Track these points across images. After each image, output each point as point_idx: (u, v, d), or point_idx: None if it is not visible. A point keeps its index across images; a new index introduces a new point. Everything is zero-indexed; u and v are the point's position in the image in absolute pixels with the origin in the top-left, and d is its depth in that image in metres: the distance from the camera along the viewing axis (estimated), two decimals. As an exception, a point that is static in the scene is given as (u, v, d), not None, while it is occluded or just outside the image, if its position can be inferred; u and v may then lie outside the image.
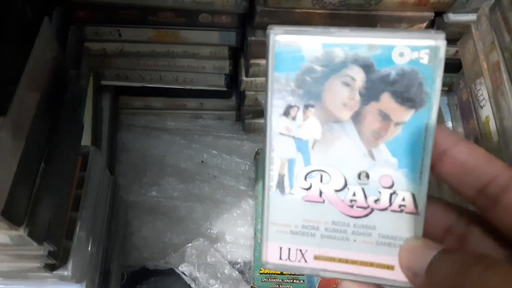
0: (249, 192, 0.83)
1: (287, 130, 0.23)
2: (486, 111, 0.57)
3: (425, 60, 0.21)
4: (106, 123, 0.77)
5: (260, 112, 0.83)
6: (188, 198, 0.82)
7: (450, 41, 0.71)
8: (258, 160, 0.83)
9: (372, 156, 0.23)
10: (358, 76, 0.22)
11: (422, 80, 0.21)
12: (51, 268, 0.48)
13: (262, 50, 0.69)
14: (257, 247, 0.75)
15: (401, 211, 0.23)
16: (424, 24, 0.68)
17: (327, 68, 0.22)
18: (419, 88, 0.21)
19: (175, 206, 0.81)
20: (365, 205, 0.23)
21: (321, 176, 0.23)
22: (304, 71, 0.22)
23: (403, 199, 0.23)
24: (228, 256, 0.78)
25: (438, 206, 0.26)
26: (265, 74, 0.23)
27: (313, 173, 0.23)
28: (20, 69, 0.35)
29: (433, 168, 0.24)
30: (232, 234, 0.79)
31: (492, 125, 0.56)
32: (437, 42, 0.21)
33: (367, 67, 0.22)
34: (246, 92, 0.79)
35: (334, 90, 0.22)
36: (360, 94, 0.22)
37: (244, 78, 0.75)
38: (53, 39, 0.38)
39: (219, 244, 0.78)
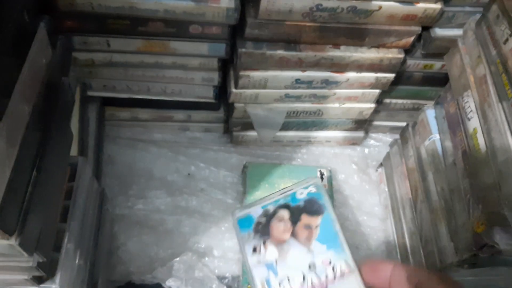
0: (237, 205, 0.82)
1: (258, 261, 0.36)
2: (474, 123, 0.58)
3: (313, 190, 0.38)
4: (92, 134, 0.76)
5: (249, 124, 0.83)
6: (175, 211, 0.81)
7: (436, 55, 0.74)
8: (246, 173, 0.83)
9: (311, 251, 0.36)
10: (285, 213, 0.37)
11: (317, 199, 0.38)
12: (38, 281, 0.46)
13: (252, 62, 0.70)
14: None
15: (343, 274, 0.34)
16: (412, 38, 0.69)
17: (267, 217, 0.38)
18: (317, 203, 0.38)
19: (162, 219, 0.80)
20: (321, 283, 0.34)
21: (288, 278, 0.35)
22: (255, 224, 0.38)
23: (341, 267, 0.34)
24: (216, 271, 0.76)
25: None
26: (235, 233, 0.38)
27: (283, 280, 0.35)
28: (15, 75, 0.34)
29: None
30: (220, 248, 0.78)
31: (480, 137, 0.57)
32: (315, 181, 0.38)
33: (287, 206, 0.38)
34: (235, 104, 0.79)
35: (275, 226, 0.37)
36: (290, 221, 0.38)
37: (234, 90, 0.75)
38: (47, 45, 0.37)
39: (207, 259, 0.77)
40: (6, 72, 0.32)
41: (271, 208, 0.38)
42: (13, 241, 0.35)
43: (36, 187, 0.39)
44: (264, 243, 0.35)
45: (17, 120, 0.34)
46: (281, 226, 0.34)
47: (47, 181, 0.42)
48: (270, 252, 0.37)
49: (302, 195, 0.37)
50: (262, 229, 0.36)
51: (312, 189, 0.38)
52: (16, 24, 0.32)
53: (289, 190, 0.39)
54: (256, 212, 0.40)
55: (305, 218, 0.36)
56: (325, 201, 0.40)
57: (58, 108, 0.44)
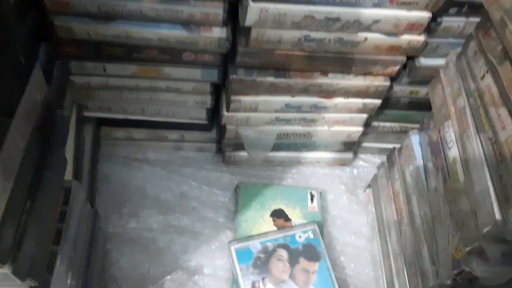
0: (228, 224, 0.84)
1: None
2: (454, 153, 0.61)
3: (311, 235, 0.43)
4: (87, 154, 0.78)
5: (241, 144, 0.85)
6: (167, 230, 0.83)
7: (422, 82, 0.76)
8: (239, 193, 0.85)
9: None
10: (284, 253, 0.43)
11: (315, 245, 0.40)
12: (30, 303, 0.48)
13: (243, 88, 0.72)
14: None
15: None
16: (397, 67, 0.72)
17: (266, 254, 0.38)
18: (316, 250, 0.39)
19: (154, 237, 0.82)
20: None
21: None
22: (255, 259, 0.38)
23: None
24: (206, 289, 0.78)
25: None
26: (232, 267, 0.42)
27: None
28: (11, 111, 0.36)
29: None
30: (210, 267, 0.80)
31: (459, 167, 0.59)
32: (313, 226, 0.44)
33: (286, 247, 0.41)
34: (227, 126, 0.81)
35: (275, 264, 0.42)
36: (289, 262, 0.42)
37: (225, 113, 0.77)
38: (43, 82, 0.39)
39: (197, 277, 0.78)
40: (2, 111, 0.34)
41: (270, 246, 0.41)
42: (6, 270, 0.37)
43: (30, 215, 0.41)
44: (263, 279, 0.38)
45: (12, 156, 0.36)
46: (280, 265, 0.37)
47: (41, 209, 0.44)
48: None
49: (300, 238, 0.41)
50: (262, 265, 0.39)
51: (311, 235, 0.42)
52: (12, 67, 0.34)
53: (288, 231, 0.43)
54: (255, 246, 0.42)
55: (303, 262, 0.40)
56: (322, 248, 0.43)
57: (53, 136, 0.46)
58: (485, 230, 0.51)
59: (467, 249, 0.55)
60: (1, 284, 0.43)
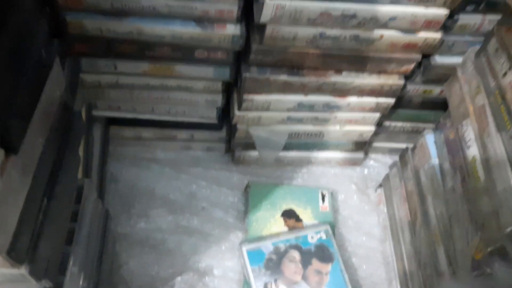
0: (238, 224, 0.83)
1: None
2: (473, 151, 0.60)
3: (324, 236, 0.43)
4: (97, 154, 0.77)
5: (251, 144, 0.84)
6: (177, 231, 0.82)
7: (436, 81, 0.75)
8: (249, 192, 0.84)
9: None
10: (296, 254, 0.43)
11: (328, 247, 0.40)
12: (44, 304, 0.47)
13: (256, 86, 0.71)
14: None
15: None
16: (412, 65, 0.71)
17: (278, 255, 0.42)
18: (328, 251, 0.39)
19: (163, 238, 0.80)
20: None
21: None
22: (267, 260, 0.38)
23: None
24: (217, 290, 0.77)
25: None
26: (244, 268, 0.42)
27: None
28: (32, 107, 0.35)
29: None
30: (221, 268, 0.79)
31: (479, 166, 0.58)
32: (326, 226, 0.44)
33: (298, 248, 0.40)
34: (238, 125, 0.80)
35: (287, 266, 0.42)
36: (301, 263, 0.40)
37: (237, 112, 0.76)
38: (62, 78, 0.38)
39: (207, 278, 0.77)
40: (25, 106, 0.33)
41: (282, 247, 0.40)
42: (23, 270, 0.36)
43: (46, 214, 0.40)
44: (275, 281, 0.37)
45: (31, 152, 0.35)
46: (292, 266, 0.36)
47: (57, 208, 0.42)
48: None
49: (313, 239, 0.41)
50: (274, 266, 0.38)
51: (323, 235, 0.41)
52: (35, 61, 0.33)
53: (301, 232, 0.42)
54: (266, 247, 0.41)
55: (316, 264, 0.39)
56: (335, 249, 0.42)
57: (70, 135, 0.45)
58: (509, 229, 0.50)
59: (489, 249, 0.54)
60: (15, 285, 0.42)
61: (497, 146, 0.54)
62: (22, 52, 0.31)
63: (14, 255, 0.34)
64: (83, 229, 0.56)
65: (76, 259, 0.53)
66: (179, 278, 0.76)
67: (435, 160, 0.71)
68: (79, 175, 0.68)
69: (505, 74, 0.53)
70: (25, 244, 0.37)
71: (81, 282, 0.55)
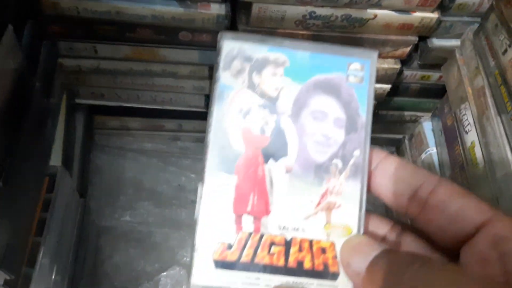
0: (227, 217, 0.80)
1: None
2: (472, 137, 0.56)
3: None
4: (78, 143, 0.74)
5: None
6: (164, 224, 0.78)
7: (433, 66, 0.71)
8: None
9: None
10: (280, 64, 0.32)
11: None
12: (7, 298, 0.43)
13: (244, 71, 0.68)
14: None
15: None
16: (409, 48, 0.67)
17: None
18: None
19: (149, 232, 0.77)
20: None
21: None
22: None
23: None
24: (204, 286, 0.74)
25: (372, 219, 0.30)
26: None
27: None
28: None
29: (368, 184, 0.29)
30: (209, 262, 0.75)
31: (478, 151, 0.54)
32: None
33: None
34: (227, 114, 0.76)
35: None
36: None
37: (225, 99, 0.73)
38: (16, 49, 0.35)
39: (195, 273, 0.74)
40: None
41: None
42: (-28, 258, 0.33)
43: (1, 199, 0.37)
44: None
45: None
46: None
47: (15, 193, 0.39)
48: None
49: None
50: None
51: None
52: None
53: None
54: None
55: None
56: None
57: (30, 115, 0.41)
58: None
59: (488, 240, 0.51)
60: (-28, 276, 0.39)
61: (496, 129, 0.51)
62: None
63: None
64: (56, 219, 0.52)
65: (47, 250, 0.50)
66: (165, 273, 0.73)
67: (432, 149, 0.68)
68: (59, 163, 0.65)
69: (505, 51, 0.50)
70: (-27, 230, 0.33)
71: (53, 276, 0.52)
